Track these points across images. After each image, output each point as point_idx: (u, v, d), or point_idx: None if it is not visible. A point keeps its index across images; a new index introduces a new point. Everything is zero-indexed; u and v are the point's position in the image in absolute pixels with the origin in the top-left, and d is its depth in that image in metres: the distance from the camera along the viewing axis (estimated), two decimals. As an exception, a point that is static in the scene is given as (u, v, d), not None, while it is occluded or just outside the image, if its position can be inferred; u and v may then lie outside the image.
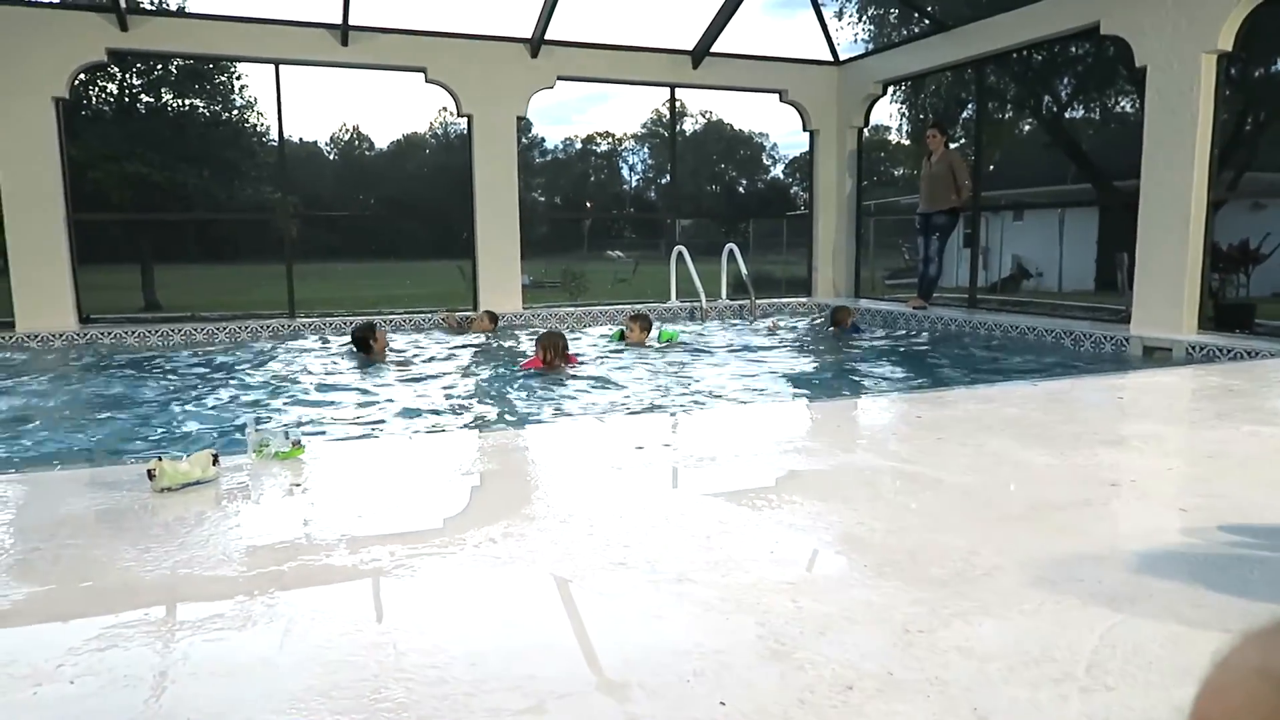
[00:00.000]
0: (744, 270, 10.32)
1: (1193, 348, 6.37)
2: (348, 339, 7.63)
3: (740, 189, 57.09)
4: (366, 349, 7.21)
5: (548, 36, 9.80)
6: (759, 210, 42.74)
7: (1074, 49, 15.57)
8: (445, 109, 51.10)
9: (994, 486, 2.75)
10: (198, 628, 1.74)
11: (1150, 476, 2.92)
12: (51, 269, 8.63)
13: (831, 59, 11.33)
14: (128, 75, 21.58)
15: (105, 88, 21.71)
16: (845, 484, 2.78)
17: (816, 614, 1.77)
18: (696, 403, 5.67)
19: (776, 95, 11.32)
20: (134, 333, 8.73)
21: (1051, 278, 20.15)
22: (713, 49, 10.56)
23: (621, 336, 7.93)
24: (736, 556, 2.10)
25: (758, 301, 10.57)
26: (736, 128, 57.21)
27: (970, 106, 15.48)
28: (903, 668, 1.54)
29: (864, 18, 18.72)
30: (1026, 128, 20.92)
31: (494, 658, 1.60)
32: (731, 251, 10.66)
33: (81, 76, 9.16)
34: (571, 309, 10.56)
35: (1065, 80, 17.69)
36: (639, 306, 10.58)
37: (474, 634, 1.73)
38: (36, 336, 8.39)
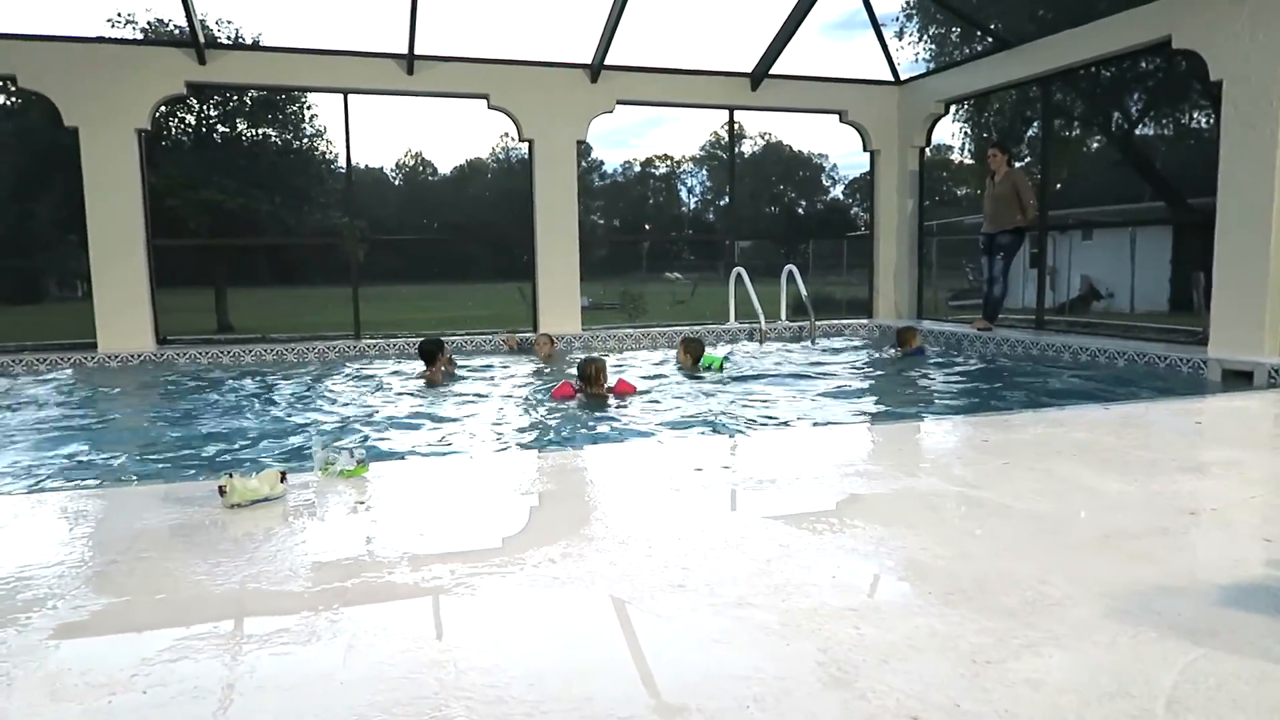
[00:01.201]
0: (804, 291, 10.25)
1: (1275, 371, 6.10)
2: (408, 359, 7.83)
3: (799, 210, 56.80)
4: (431, 361, 7.43)
5: (607, 62, 9.92)
6: (818, 231, 42.42)
7: (1144, 64, 15.19)
8: (507, 134, 52.09)
9: (1064, 513, 2.66)
10: (264, 642, 1.77)
11: (1231, 505, 2.80)
12: (132, 292, 8.99)
13: (892, 79, 11.24)
14: (205, 107, 22.49)
15: (184, 119, 22.64)
16: (908, 509, 2.72)
17: (880, 642, 1.73)
18: (755, 425, 5.63)
19: (836, 116, 11.26)
20: (208, 353, 9.02)
21: (1123, 298, 19.54)
22: (771, 71, 10.57)
23: (718, 366, 7.76)
24: (797, 581, 2.07)
25: (818, 323, 10.48)
26: (795, 149, 57.06)
27: (1036, 124, 15.18)
28: (970, 699, 1.50)
29: (925, 37, 18.57)
30: (1095, 145, 20.43)
31: (553, 678, 1.60)
32: (791, 273, 10.61)
33: (162, 109, 9.56)
34: (630, 330, 10.60)
35: (1135, 96, 17.25)
36: (697, 328, 10.57)
37: (533, 654, 1.73)
38: (117, 356, 8.73)
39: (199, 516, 2.65)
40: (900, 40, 18.17)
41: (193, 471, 4.60)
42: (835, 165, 57.79)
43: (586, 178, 48.41)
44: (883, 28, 11.08)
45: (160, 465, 4.88)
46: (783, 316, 10.97)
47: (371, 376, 7.86)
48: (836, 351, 9.38)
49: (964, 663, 1.63)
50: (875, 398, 6.85)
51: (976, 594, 1.97)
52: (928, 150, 11.40)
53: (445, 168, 56.20)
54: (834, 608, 1.91)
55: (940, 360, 8.52)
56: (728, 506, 2.85)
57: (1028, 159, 16.84)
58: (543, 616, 1.93)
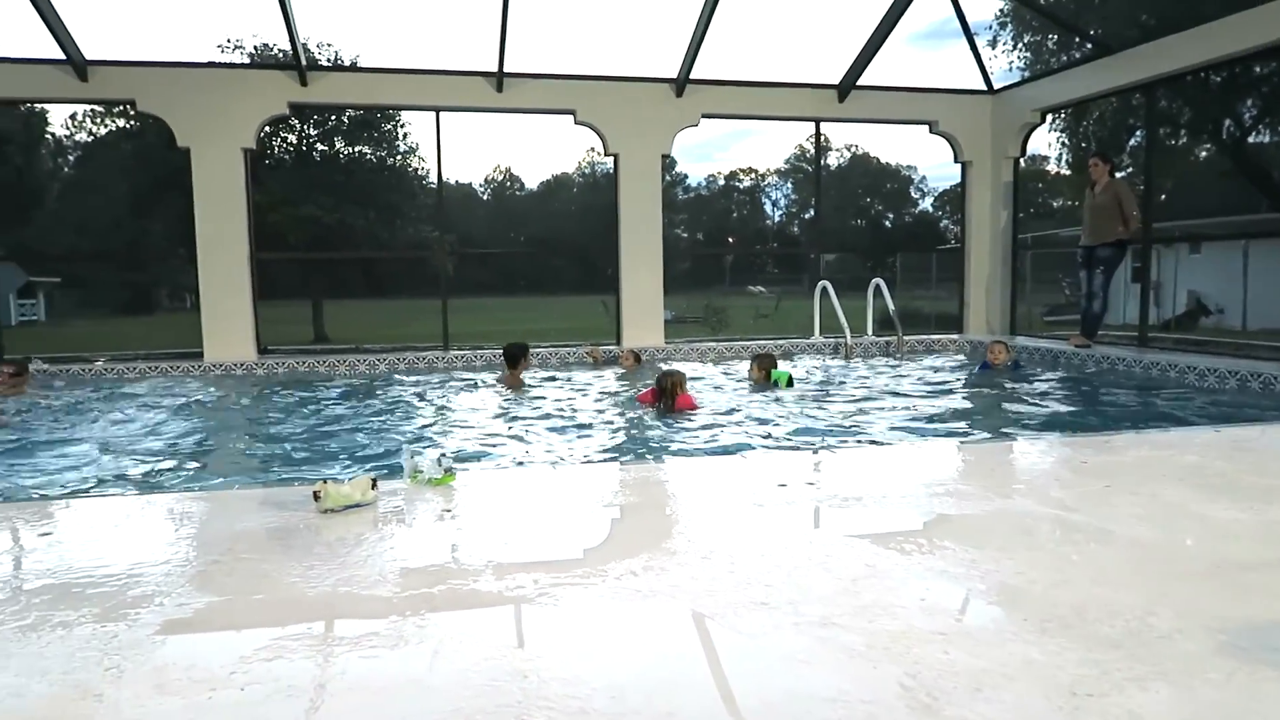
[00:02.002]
0: (891, 306, 10.04)
1: None
2: (495, 370, 8.02)
3: (887, 223, 55.85)
4: (514, 364, 7.64)
5: (692, 76, 9.96)
6: (907, 244, 41.61)
7: (1258, 68, 14.42)
8: (593, 149, 52.64)
9: (1171, 541, 2.53)
10: (355, 644, 1.82)
11: (1360, 536, 2.61)
12: (236, 304, 9.42)
13: (985, 88, 10.96)
14: (305, 126, 23.47)
15: (286, 138, 23.67)
16: (1001, 531, 2.62)
17: (971, 668, 1.67)
18: (840, 442, 5.53)
19: (926, 127, 11.04)
20: (305, 363, 9.38)
21: (1234, 315, 18.52)
22: (859, 82, 10.43)
23: (786, 381, 7.69)
24: (884, 602, 2.01)
25: (905, 338, 10.25)
26: (883, 161, 56.19)
27: (1139, 133, 14.57)
28: (1069, 733, 1.43)
29: (1019, 45, 18.06)
30: (1203, 154, 19.48)
31: (634, 692, 1.60)
32: (878, 286, 10.41)
33: (266, 128, 10.00)
34: (713, 344, 10.57)
35: (1248, 102, 16.39)
36: (781, 342, 10.47)
37: (615, 666, 1.73)
38: (221, 365, 9.15)
39: (294, 521, 2.74)
40: (993, 49, 17.73)
41: (288, 477, 4.77)
42: (924, 177, 56.70)
43: (670, 191, 48.62)
44: (975, 36, 10.83)
45: (258, 470, 5.08)
46: (869, 331, 10.77)
47: (458, 386, 8.03)
48: (925, 367, 9.15)
49: (1062, 694, 1.56)
50: (966, 415, 6.66)
51: (1075, 622, 1.88)
52: (1022, 161, 11.06)
53: (532, 182, 57.36)
54: (923, 631, 1.85)
55: (1035, 377, 8.22)
56: (812, 523, 2.80)
57: (1130, 169, 16.18)
58: (624, 629, 1.93)
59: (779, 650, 1.79)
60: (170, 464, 5.14)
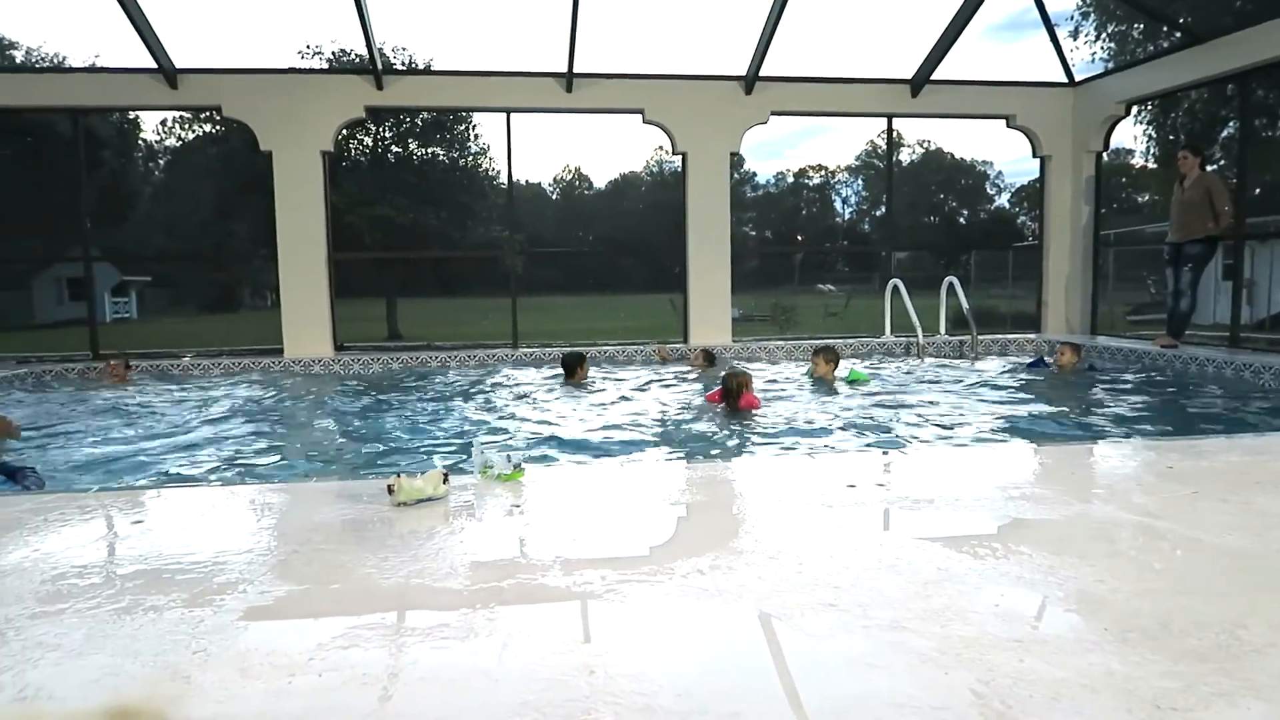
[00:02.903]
0: (965, 304, 9.80)
1: None
2: (558, 370, 8.16)
3: (961, 219, 54.57)
4: (571, 374, 7.76)
5: (762, 73, 9.89)
6: (982, 242, 40.55)
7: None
8: (661, 148, 52.77)
9: (1264, 551, 2.41)
10: (426, 635, 1.86)
11: None
12: (314, 302, 9.71)
13: (1066, 80, 10.61)
14: (381, 129, 24.03)
15: (362, 140, 24.28)
16: (1081, 537, 2.54)
17: (1048, 678, 1.62)
18: (911, 442, 5.43)
19: (1003, 121, 10.76)
20: (379, 359, 9.61)
21: (1336, 314, 17.56)
22: (933, 76, 10.21)
23: (861, 380, 7.63)
24: (957, 607, 1.97)
25: (980, 337, 10.00)
26: (957, 156, 54.91)
27: (1231, 124, 13.93)
28: (1152, 747, 1.38)
29: (1103, 35, 17.45)
30: (1302, 145, 18.51)
31: (701, 691, 1.60)
32: (951, 285, 10.17)
33: (344, 132, 10.27)
34: (781, 343, 10.48)
35: (1352, 90, 15.52)
36: (851, 341, 10.33)
37: (681, 665, 1.73)
38: (300, 362, 9.44)
39: (368, 513, 2.81)
40: (1075, 40, 17.17)
41: (363, 470, 4.90)
42: (1000, 172, 55.20)
43: (739, 189, 48.36)
44: (1056, 27, 10.50)
45: (334, 463, 5.23)
46: (942, 330, 10.54)
47: (526, 384, 8.14)
48: (1000, 368, 8.91)
49: (1145, 708, 1.51)
50: (1043, 417, 6.46)
51: (1160, 634, 1.82)
52: (1105, 155, 10.68)
53: (600, 182, 57.66)
54: (997, 638, 1.80)
55: (1117, 378, 7.94)
56: (882, 525, 2.76)
57: (1222, 161, 15.48)
58: (691, 628, 1.93)
59: (847, 653, 1.76)
60: (252, 456, 5.33)
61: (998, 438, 5.58)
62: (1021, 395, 7.30)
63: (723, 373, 6.76)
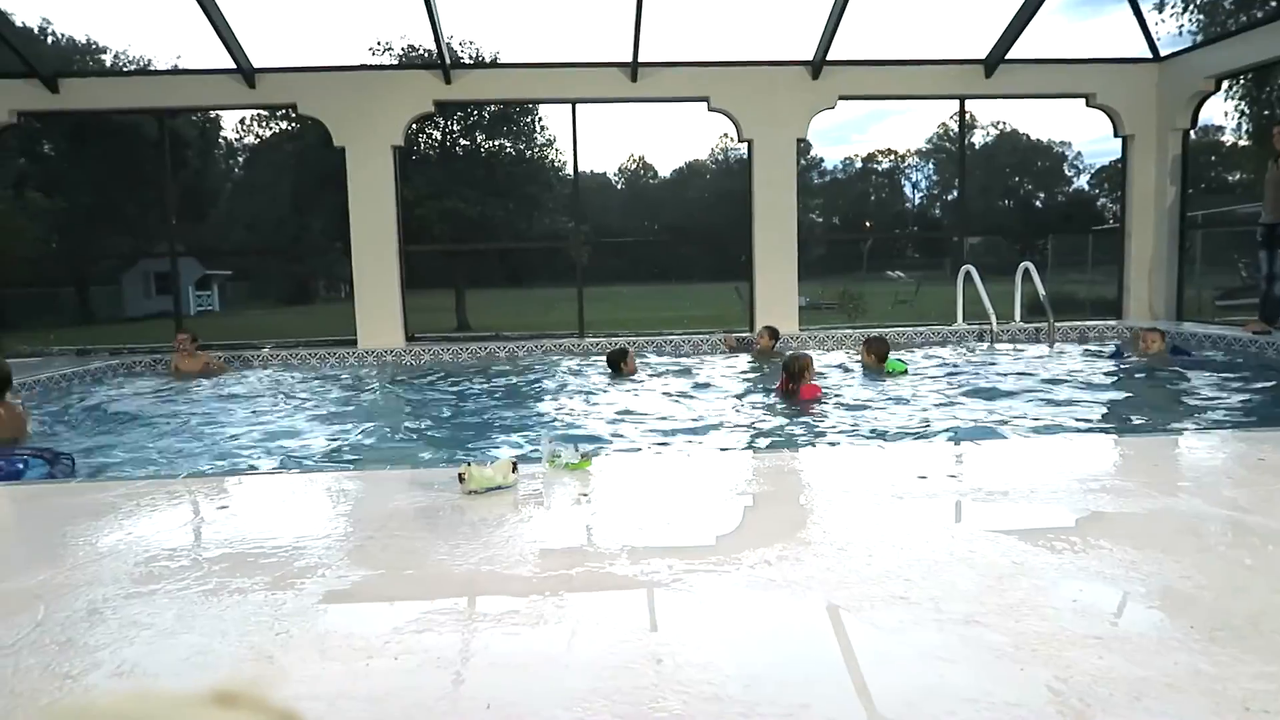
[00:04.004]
0: (1041, 290, 9.51)
1: None
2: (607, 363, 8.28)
3: (1037, 203, 52.91)
4: (617, 370, 7.79)
5: (829, 57, 9.73)
6: (1059, 225, 39.28)
7: None
8: (726, 135, 52.38)
9: (1366, 547, 2.29)
10: (497, 621, 1.90)
11: None
12: (386, 294, 9.93)
13: (1150, 55, 10.19)
14: (449, 122, 24.39)
15: (431, 134, 24.68)
16: (1165, 531, 2.45)
17: (1129, 676, 1.57)
18: (984, 432, 5.30)
19: (1083, 100, 10.38)
20: (448, 350, 9.79)
21: None
22: (1008, 55, 9.90)
23: (900, 371, 7.50)
24: (1032, 601, 1.92)
25: (1057, 324, 9.69)
26: (1033, 137, 53.19)
27: (1331, 97, 13.18)
28: (1241, 750, 1.33)
29: (1190, 7, 16.69)
30: None
31: (768, 682, 1.59)
32: (1027, 270, 9.87)
33: (413, 126, 10.45)
34: (849, 331, 10.33)
35: None
36: (922, 329, 10.13)
37: (748, 655, 1.73)
38: (373, 352, 9.67)
39: (440, 501, 2.88)
40: (1160, 13, 16.45)
41: (435, 458, 5.00)
42: (1079, 153, 53.31)
43: (805, 175, 47.74)
44: (1139, 0, 10.07)
45: (408, 451, 5.35)
46: (1017, 317, 10.25)
47: (592, 373, 8.19)
48: (1079, 355, 8.63)
49: (1235, 710, 1.45)
50: (1124, 407, 6.25)
51: (1250, 633, 1.74)
52: (1192, 133, 10.23)
53: (665, 170, 57.53)
54: (1075, 634, 1.76)
55: (1204, 365, 7.61)
56: (954, 517, 2.70)
57: (1320, 137, 14.65)
58: (758, 618, 1.92)
59: (919, 647, 1.74)
60: (329, 444, 5.49)
61: (1075, 428, 5.41)
62: (1102, 384, 7.06)
63: (787, 353, 6.74)
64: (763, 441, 5.25)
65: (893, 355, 7.68)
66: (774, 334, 9.01)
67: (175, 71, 11.99)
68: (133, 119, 23.25)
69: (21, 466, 3.92)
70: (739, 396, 6.75)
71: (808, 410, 5.97)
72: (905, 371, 7.38)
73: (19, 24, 20.41)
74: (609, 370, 7.96)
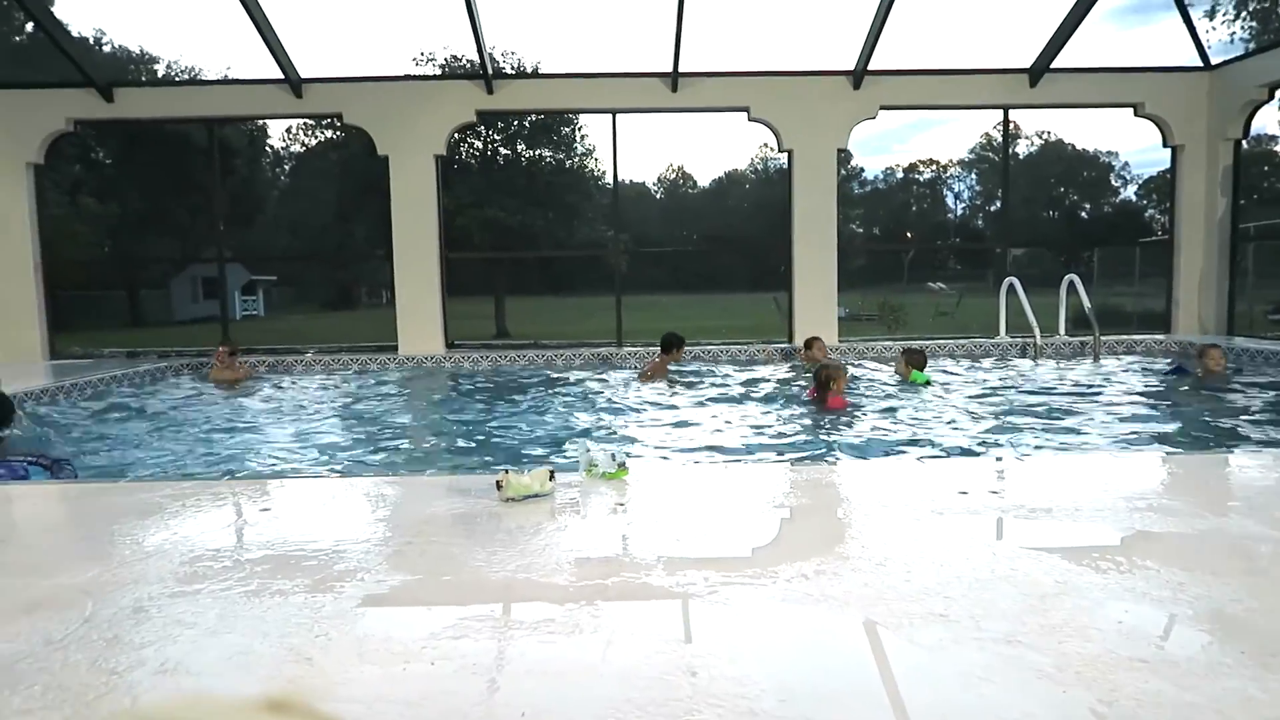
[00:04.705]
0: (1086, 303, 9.34)
1: None
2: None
3: (1082, 214, 51.97)
4: (667, 350, 8.05)
5: (871, 66, 9.67)
6: (1105, 237, 38.54)
7: None
8: (766, 145, 52.26)
9: None
10: (533, 629, 1.90)
11: None
12: (427, 301, 10.05)
13: (1201, 64, 9.98)
14: (490, 132, 24.62)
15: (472, 144, 24.93)
16: (1215, 553, 2.39)
17: (1176, 701, 1.53)
18: (1026, 449, 5.22)
19: (1130, 109, 10.20)
20: (488, 357, 9.87)
21: None
22: (1053, 64, 9.77)
23: (924, 382, 7.43)
24: (1076, 623, 1.89)
25: (1103, 338, 9.51)
26: (1079, 147, 52.30)
27: (1393, 107, 12.79)
28: (1295, 782, 1.29)
29: (1243, 14, 16.32)
30: None
31: (804, 698, 1.58)
32: (1072, 283, 9.71)
33: (455, 135, 10.58)
34: (889, 343, 10.23)
35: None
36: (963, 342, 10.00)
37: (784, 670, 1.71)
38: (413, 359, 9.78)
39: (478, 508, 2.89)
40: (1211, 20, 16.12)
41: (473, 465, 5.04)
42: (1126, 163, 52.30)
43: (845, 185, 47.44)
44: (1189, 7, 9.89)
45: (445, 457, 5.40)
46: (1061, 331, 10.08)
47: (629, 382, 8.20)
48: (1125, 371, 8.46)
49: (1287, 738, 1.41)
50: (1171, 423, 6.10)
51: (1305, 659, 1.69)
52: (1244, 142, 9.99)
53: (704, 180, 57.51)
54: (1120, 657, 1.72)
55: (1258, 383, 7.41)
56: (995, 535, 2.66)
57: (1380, 148, 14.24)
58: (794, 633, 1.91)
59: (958, 666, 1.71)
60: (369, 449, 5.56)
61: (1121, 445, 5.30)
62: (1149, 399, 6.91)
63: (820, 362, 6.74)
64: (788, 452, 5.21)
65: (928, 369, 7.63)
66: (814, 345, 8.87)
67: (225, 81, 12.26)
68: (183, 127, 23.81)
69: (23, 474, 4.02)
70: (769, 405, 6.71)
71: (843, 419, 5.95)
72: (928, 383, 7.31)
73: (75, 34, 21.04)
74: (659, 348, 8.08)
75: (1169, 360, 8.85)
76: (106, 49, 31.03)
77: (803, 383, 7.78)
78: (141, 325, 28.82)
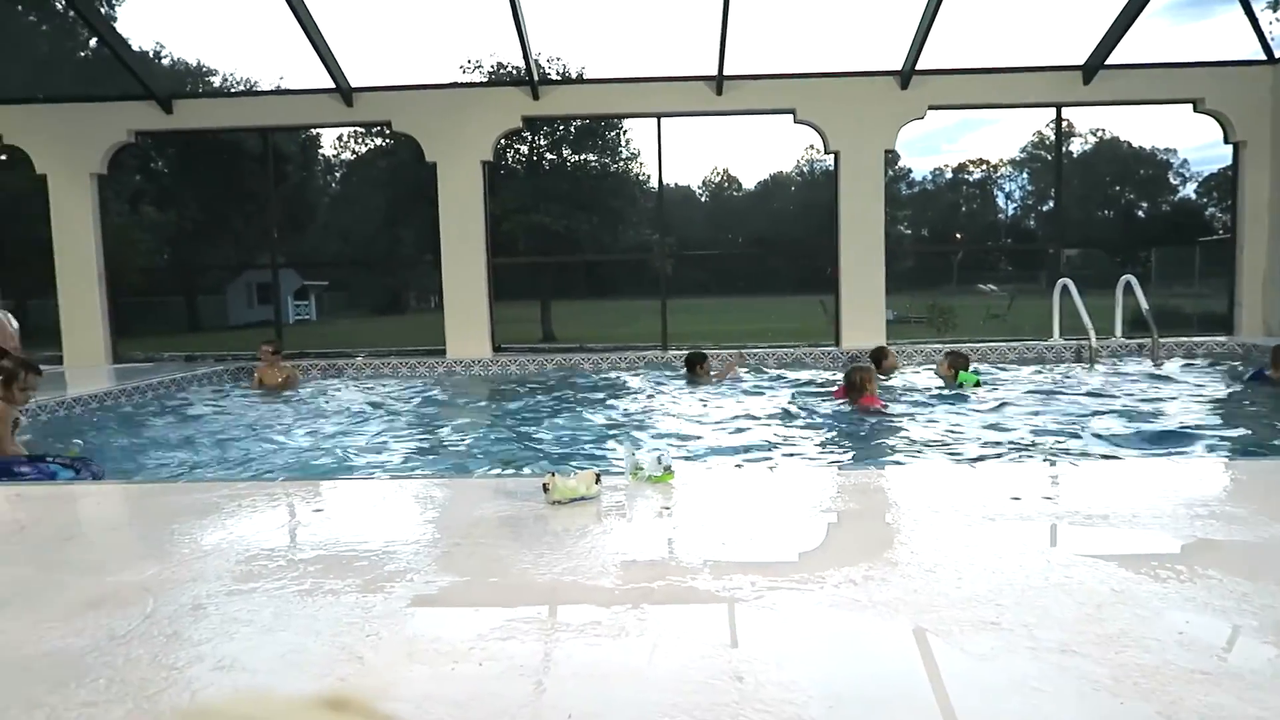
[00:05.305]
0: (1144, 305, 9.09)
1: None
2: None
3: (1139, 213, 50.66)
4: (694, 371, 8.03)
5: (919, 66, 9.55)
6: (1163, 237, 37.51)
7: None
8: (812, 147, 51.85)
9: None
10: (580, 631, 1.91)
11: None
12: (474, 305, 10.16)
13: (1264, 57, 9.68)
14: (536, 137, 24.82)
15: (518, 149, 25.15)
16: (1281, 562, 2.31)
17: (1241, 715, 1.48)
18: (1080, 453, 5.10)
19: (1190, 105, 9.92)
20: (534, 360, 9.94)
21: None
22: (1108, 60, 9.55)
23: (974, 383, 7.29)
24: (1134, 633, 1.84)
25: (1161, 340, 9.26)
26: (1135, 145, 50.97)
27: None
28: (1368, 801, 1.24)
29: (1310, 5, 15.76)
30: None
31: (852, 704, 1.56)
32: (1129, 283, 9.46)
33: (501, 141, 10.68)
34: (938, 345, 10.08)
35: None
36: (1014, 344, 9.81)
37: (831, 676, 1.70)
38: (461, 362, 9.89)
39: (525, 510, 2.92)
40: (1276, 11, 15.59)
41: (520, 468, 5.08)
42: (1185, 161, 50.83)
43: (893, 186, 46.89)
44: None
45: (493, 460, 5.45)
46: (1117, 333, 9.83)
47: (674, 385, 8.20)
48: (1185, 374, 8.22)
49: (1359, 755, 1.35)
50: (1235, 428, 5.91)
51: (1378, 674, 1.63)
52: (1312, 138, 9.66)
53: (749, 183, 57.25)
54: (1180, 668, 1.67)
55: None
56: (1049, 541, 2.60)
57: None
58: (842, 639, 1.89)
59: (1010, 675, 1.68)
60: (418, 451, 5.64)
61: (1184, 450, 5.15)
62: (1215, 403, 6.71)
63: (851, 364, 6.71)
64: (825, 453, 5.16)
65: (974, 368, 7.53)
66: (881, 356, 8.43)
67: (278, 92, 12.55)
68: (238, 137, 24.42)
69: (51, 474, 4.20)
70: (815, 409, 6.66)
71: (871, 420, 5.93)
72: (979, 384, 7.19)
73: (136, 48, 21.69)
74: (686, 371, 8.12)
75: (1246, 367, 8.52)
76: (165, 61, 31.91)
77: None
78: (199, 330, 29.58)
